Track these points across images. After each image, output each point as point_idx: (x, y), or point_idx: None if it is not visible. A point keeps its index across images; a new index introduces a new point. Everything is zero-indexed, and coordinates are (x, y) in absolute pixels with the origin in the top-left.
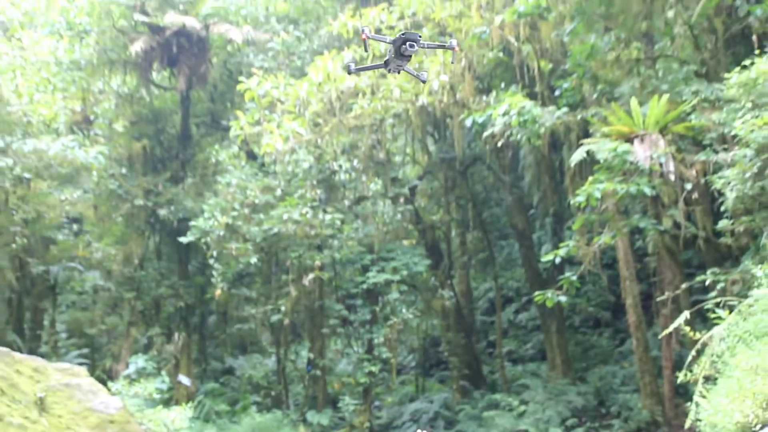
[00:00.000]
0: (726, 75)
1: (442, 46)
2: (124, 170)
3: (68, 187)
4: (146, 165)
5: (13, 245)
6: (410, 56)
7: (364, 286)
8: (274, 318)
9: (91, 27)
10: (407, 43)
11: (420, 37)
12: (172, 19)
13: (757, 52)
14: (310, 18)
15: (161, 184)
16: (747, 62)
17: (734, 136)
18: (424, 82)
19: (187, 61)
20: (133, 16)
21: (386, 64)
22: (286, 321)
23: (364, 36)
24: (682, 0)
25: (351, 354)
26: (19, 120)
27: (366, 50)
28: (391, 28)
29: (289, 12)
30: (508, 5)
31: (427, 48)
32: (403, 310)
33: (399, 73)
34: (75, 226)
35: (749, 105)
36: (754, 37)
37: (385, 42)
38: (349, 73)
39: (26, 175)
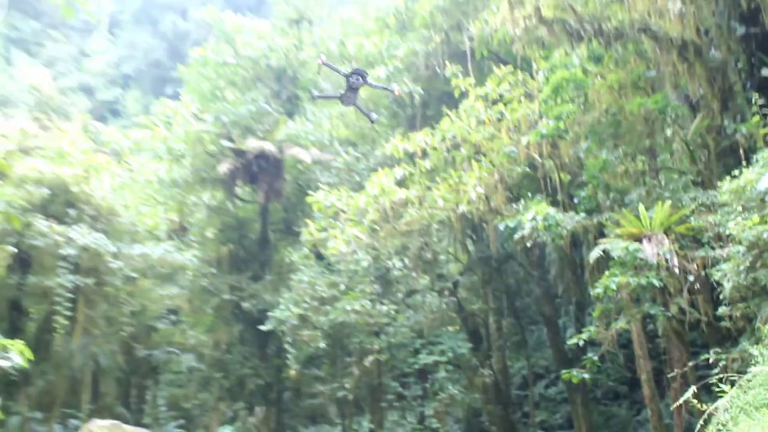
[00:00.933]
0: (719, 183)
1: (385, 88)
2: (213, 270)
3: (168, 284)
4: (232, 265)
5: (123, 333)
6: (358, 89)
7: (416, 366)
8: (340, 394)
9: (186, 152)
10: (355, 77)
11: (367, 74)
12: (252, 144)
13: (744, 163)
14: (366, 141)
15: (244, 281)
16: (736, 172)
17: (728, 235)
18: (372, 122)
19: (265, 178)
20: (220, 142)
21: (341, 97)
22: (350, 396)
23: (320, 61)
24: (678, 120)
25: (405, 425)
26: (128, 229)
27: (318, 73)
28: (434, 148)
29: (349, 136)
30: (532, 128)
31: (374, 87)
32: (450, 387)
33: (351, 105)
34: (173, 317)
35: (740, 208)
36: (741, 151)
37: (338, 72)
38: (314, 98)
39: (133, 274)
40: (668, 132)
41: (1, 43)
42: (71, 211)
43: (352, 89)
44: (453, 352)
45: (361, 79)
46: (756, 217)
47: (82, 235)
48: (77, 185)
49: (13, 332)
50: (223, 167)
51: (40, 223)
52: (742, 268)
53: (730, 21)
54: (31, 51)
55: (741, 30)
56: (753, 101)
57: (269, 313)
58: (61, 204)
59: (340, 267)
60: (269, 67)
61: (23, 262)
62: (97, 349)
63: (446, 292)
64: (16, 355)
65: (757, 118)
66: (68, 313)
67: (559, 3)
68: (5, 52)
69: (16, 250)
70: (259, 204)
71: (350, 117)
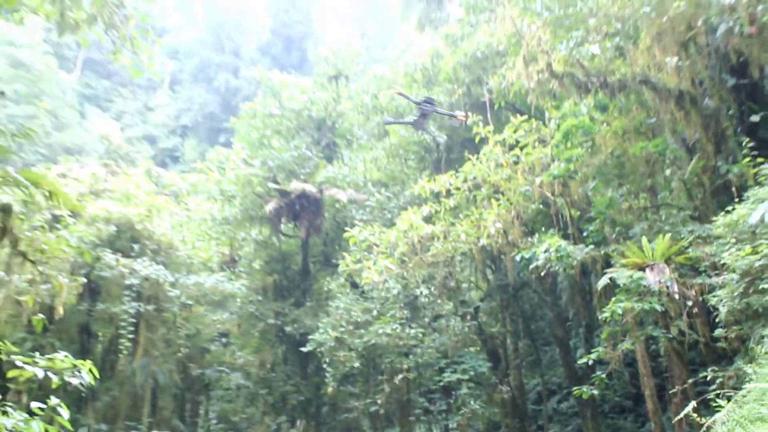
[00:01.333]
0: (714, 218)
1: (452, 115)
2: (260, 297)
3: (219, 310)
4: (276, 293)
5: (179, 354)
6: (428, 114)
7: (441, 383)
8: (372, 408)
9: (237, 193)
10: (425, 105)
11: (434, 102)
12: (295, 186)
13: (736, 200)
14: (396, 182)
15: (287, 308)
16: (729, 208)
17: (723, 264)
18: (438, 145)
19: (306, 216)
20: (267, 184)
21: (413, 123)
22: (381, 411)
23: (396, 91)
24: (677, 162)
25: None
26: (185, 261)
27: (392, 98)
28: (458, 188)
29: (381, 178)
30: (545, 170)
31: (441, 113)
32: (471, 402)
33: (423, 131)
34: (224, 339)
35: (733, 240)
36: (734, 189)
37: (411, 101)
38: (387, 124)
39: (189, 302)
40: (667, 172)
41: (76, 99)
42: (135, 246)
43: (423, 115)
44: (474, 370)
45: (430, 105)
46: (748, 248)
47: (145, 267)
48: (141, 223)
49: (83, 353)
50: (270, 206)
51: (108, 257)
52: (736, 294)
53: (722, 73)
54: (102, 106)
55: (731, 81)
56: (743, 144)
57: (309, 336)
58: (126, 240)
59: (373, 295)
60: (310, 117)
61: (93, 291)
62: (156, 368)
63: (468, 317)
64: (85, 373)
65: (747, 159)
66: (131, 336)
67: (568, 59)
68: (80, 107)
69: (86, 281)
70: (301, 239)
71: (382, 161)
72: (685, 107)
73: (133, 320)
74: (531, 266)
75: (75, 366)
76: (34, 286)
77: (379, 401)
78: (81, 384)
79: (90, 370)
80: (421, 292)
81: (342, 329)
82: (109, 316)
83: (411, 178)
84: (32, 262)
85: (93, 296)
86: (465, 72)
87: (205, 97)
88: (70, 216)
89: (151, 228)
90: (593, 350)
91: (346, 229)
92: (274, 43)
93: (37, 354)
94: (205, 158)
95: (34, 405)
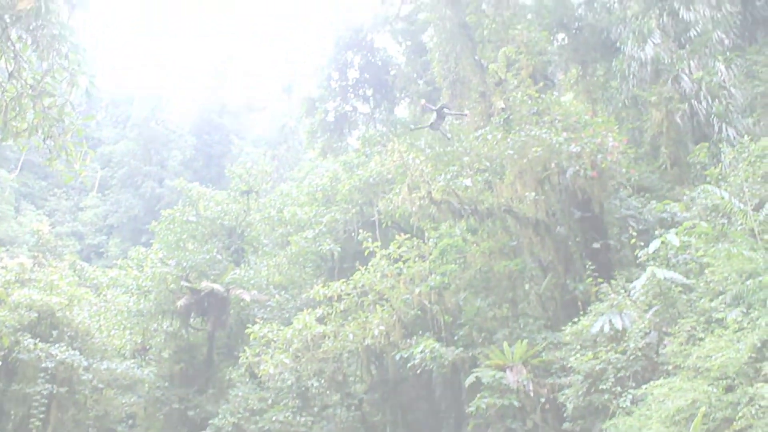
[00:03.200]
0: (563, 327)
1: (461, 114)
2: (166, 383)
3: (128, 393)
4: (182, 380)
5: None
6: (445, 116)
7: None
8: None
9: (152, 288)
10: (444, 109)
11: (449, 107)
12: (205, 285)
13: (581, 313)
14: (295, 286)
15: (191, 394)
16: (576, 319)
17: (570, 367)
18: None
19: (213, 312)
20: (180, 282)
21: (431, 125)
22: None
23: (423, 103)
24: (534, 278)
25: None
26: (100, 348)
27: (424, 110)
28: (348, 294)
29: (282, 281)
30: (423, 281)
31: (452, 114)
32: None
33: (437, 130)
34: (130, 421)
35: (579, 347)
36: (579, 303)
37: (432, 109)
38: (412, 130)
39: (100, 385)
40: (526, 287)
41: (13, 196)
42: (54, 332)
43: (441, 117)
44: None
45: (448, 109)
46: (590, 354)
47: (61, 351)
48: (61, 311)
49: None
50: (181, 302)
51: (27, 341)
52: (580, 392)
53: (570, 207)
54: (37, 203)
55: (578, 214)
56: (587, 266)
57: (209, 421)
58: (46, 325)
59: (269, 385)
60: (223, 225)
61: (9, 371)
62: None
63: (353, 407)
64: None
65: (590, 279)
66: (42, 415)
67: (445, 188)
68: (16, 203)
69: (2, 363)
70: (208, 332)
71: (283, 267)
72: (541, 233)
73: (45, 401)
74: (409, 364)
75: None
76: None
77: None
78: None
79: None
80: (312, 384)
81: (239, 415)
82: (22, 396)
83: (308, 283)
84: None
85: (8, 377)
86: (359, 194)
87: (132, 201)
88: None
89: (70, 316)
90: None
91: (249, 325)
92: (196, 158)
93: None
94: (127, 255)
95: None
